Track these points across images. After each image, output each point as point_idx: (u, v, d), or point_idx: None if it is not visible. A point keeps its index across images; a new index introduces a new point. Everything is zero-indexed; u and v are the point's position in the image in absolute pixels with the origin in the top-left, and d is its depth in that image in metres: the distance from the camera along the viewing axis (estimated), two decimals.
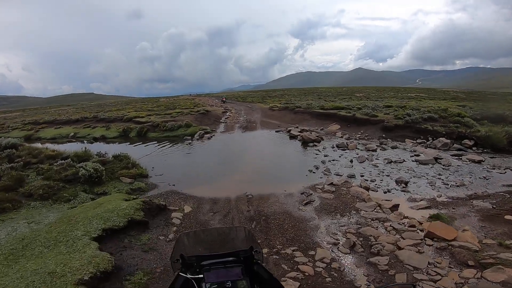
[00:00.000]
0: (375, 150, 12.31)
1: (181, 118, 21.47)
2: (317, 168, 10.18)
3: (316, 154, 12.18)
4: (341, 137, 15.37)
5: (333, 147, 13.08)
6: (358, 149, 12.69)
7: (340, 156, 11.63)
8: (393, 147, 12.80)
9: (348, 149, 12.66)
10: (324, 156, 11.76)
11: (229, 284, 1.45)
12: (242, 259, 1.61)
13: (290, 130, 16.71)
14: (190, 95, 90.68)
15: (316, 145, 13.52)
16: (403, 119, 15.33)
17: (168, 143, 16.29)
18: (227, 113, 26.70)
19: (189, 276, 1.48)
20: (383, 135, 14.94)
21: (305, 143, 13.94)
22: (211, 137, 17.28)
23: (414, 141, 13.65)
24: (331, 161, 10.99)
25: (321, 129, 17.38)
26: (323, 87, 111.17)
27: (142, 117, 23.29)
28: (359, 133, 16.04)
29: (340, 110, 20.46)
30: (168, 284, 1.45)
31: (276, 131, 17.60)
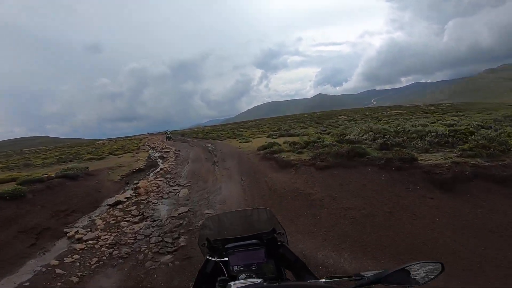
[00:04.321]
0: None
1: None
2: None
3: None
4: None
5: None
6: None
7: None
8: None
9: None
10: None
11: (254, 267, 1.45)
12: (265, 241, 1.57)
13: None
14: (148, 133, 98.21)
15: None
16: None
17: None
18: (145, 172, 13.57)
19: (216, 259, 1.49)
20: None
21: None
22: None
23: None
24: None
25: None
26: (293, 114, 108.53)
27: None
28: None
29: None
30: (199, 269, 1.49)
31: None
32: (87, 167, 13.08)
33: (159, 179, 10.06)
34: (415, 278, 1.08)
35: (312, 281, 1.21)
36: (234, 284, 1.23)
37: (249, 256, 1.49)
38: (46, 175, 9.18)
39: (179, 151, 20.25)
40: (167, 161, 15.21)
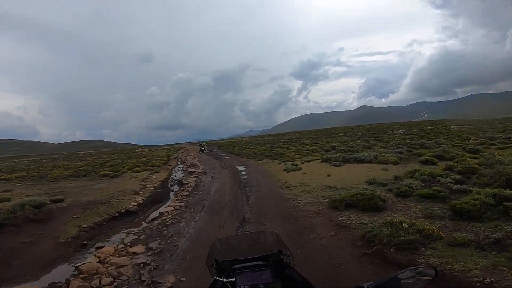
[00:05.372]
0: None
1: None
2: None
3: None
4: None
5: None
6: None
7: None
8: None
9: None
10: None
11: (261, 287, 1.38)
12: (272, 262, 1.54)
13: None
14: (189, 142, 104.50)
15: None
16: None
17: None
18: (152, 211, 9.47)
19: (224, 279, 1.45)
20: None
21: None
22: None
23: None
24: None
25: None
26: (335, 127, 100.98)
27: None
28: None
29: None
30: None
31: None
32: (60, 199, 9.31)
33: (135, 249, 5.26)
34: (409, 283, 1.07)
35: None
36: None
37: (256, 277, 1.42)
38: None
39: (205, 173, 15.86)
40: (180, 194, 10.66)
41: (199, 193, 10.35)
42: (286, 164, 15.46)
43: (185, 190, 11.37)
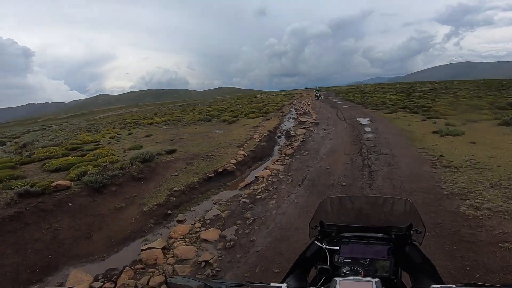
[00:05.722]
0: None
1: None
2: None
3: None
4: None
5: None
6: None
7: None
8: None
9: None
10: None
11: (366, 262, 1.18)
12: (394, 236, 1.26)
13: None
14: (305, 88, 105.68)
15: None
16: None
17: None
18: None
19: (324, 245, 1.25)
20: None
21: None
22: None
23: None
24: None
25: None
26: (502, 79, 71.38)
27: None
28: None
29: None
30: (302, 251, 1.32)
31: None
32: (173, 150, 9.61)
33: (208, 235, 4.02)
34: None
35: (438, 286, 0.92)
36: (340, 280, 0.98)
37: (368, 251, 1.20)
38: (54, 183, 5.82)
39: (317, 124, 13.69)
40: (284, 152, 9.11)
41: (305, 153, 8.44)
42: (435, 123, 10.91)
43: (290, 146, 9.77)
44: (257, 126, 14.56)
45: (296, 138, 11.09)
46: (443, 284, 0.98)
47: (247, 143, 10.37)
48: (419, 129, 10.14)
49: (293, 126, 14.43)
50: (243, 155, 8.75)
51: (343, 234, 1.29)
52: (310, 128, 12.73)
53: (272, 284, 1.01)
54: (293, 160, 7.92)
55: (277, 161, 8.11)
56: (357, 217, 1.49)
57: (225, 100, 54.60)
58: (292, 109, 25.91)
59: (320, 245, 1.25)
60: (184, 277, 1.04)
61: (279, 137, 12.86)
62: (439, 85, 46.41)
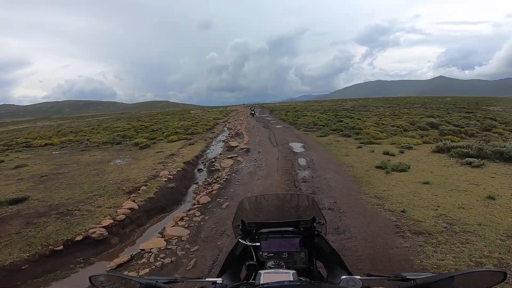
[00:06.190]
0: None
1: None
2: None
3: None
4: None
5: None
6: None
7: None
8: None
9: None
10: None
11: (285, 255, 1.36)
12: (302, 229, 1.46)
13: None
14: (243, 104, 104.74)
15: None
16: None
17: None
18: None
19: (248, 243, 1.39)
20: None
21: None
22: None
23: None
24: None
25: None
26: (406, 97, 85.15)
27: None
28: None
29: None
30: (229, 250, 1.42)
31: None
32: (24, 199, 6.17)
33: None
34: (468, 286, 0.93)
35: (347, 277, 1.03)
36: (264, 273, 1.13)
37: (283, 244, 1.37)
38: None
39: (247, 152, 11.69)
40: (204, 195, 6.53)
41: (224, 204, 5.96)
42: (373, 151, 10.13)
43: (208, 189, 7.27)
44: (173, 154, 11.62)
45: (219, 173, 8.65)
46: (351, 274, 1.11)
47: (146, 184, 7.30)
48: (360, 161, 8.87)
49: (220, 154, 12.04)
50: (130, 209, 5.68)
51: (261, 230, 1.42)
52: (238, 158, 10.50)
53: (207, 279, 1.10)
54: (206, 217, 5.36)
55: (181, 219, 5.39)
56: (272, 214, 1.69)
57: (153, 116, 49.36)
58: (225, 129, 24.06)
59: (244, 242, 1.37)
60: (112, 274, 1.04)
61: (200, 170, 10.19)
62: (358, 103, 51.27)
